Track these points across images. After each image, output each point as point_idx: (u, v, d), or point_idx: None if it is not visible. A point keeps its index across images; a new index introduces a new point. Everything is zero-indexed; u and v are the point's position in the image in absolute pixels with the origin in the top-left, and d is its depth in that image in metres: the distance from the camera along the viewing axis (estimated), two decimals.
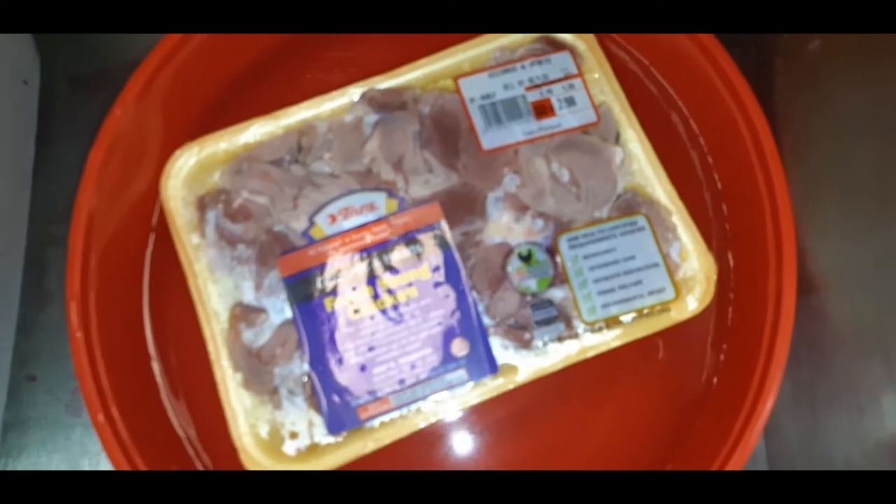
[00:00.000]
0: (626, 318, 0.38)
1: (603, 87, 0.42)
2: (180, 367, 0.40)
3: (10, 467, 0.43)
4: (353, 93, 0.42)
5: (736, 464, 0.33)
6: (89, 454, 0.43)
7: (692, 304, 0.38)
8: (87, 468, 0.43)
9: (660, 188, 0.40)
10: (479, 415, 0.39)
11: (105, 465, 0.43)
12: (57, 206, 0.45)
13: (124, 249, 0.40)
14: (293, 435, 0.36)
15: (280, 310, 0.38)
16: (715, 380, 0.39)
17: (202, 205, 0.40)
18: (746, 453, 0.34)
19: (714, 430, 0.37)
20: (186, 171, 0.41)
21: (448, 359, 0.37)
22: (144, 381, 0.39)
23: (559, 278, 0.38)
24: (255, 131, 0.41)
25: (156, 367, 0.40)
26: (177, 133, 0.43)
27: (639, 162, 0.41)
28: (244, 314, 0.38)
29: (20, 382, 0.44)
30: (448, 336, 0.37)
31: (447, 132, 0.41)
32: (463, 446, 0.39)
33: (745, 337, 0.37)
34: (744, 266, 0.39)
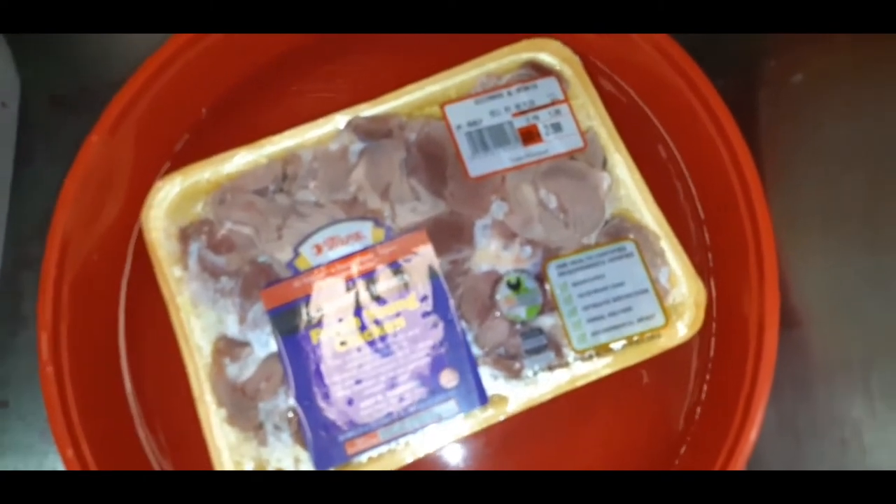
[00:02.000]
0: (616, 346, 0.37)
1: (589, 112, 0.42)
2: (158, 401, 0.39)
3: None
4: (339, 120, 0.41)
5: None
6: None
7: (682, 330, 0.38)
8: None
9: (647, 213, 0.40)
10: (467, 444, 0.38)
11: None
12: (34, 225, 0.44)
13: (99, 278, 0.39)
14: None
15: (265, 343, 0.38)
16: (698, 410, 0.39)
17: (185, 236, 0.39)
18: None
19: (697, 463, 0.36)
20: (169, 201, 0.40)
21: (437, 390, 0.36)
22: (118, 416, 0.38)
23: (548, 306, 0.38)
24: (239, 160, 0.41)
25: (131, 400, 0.39)
26: (156, 160, 0.42)
27: (626, 187, 0.40)
28: (228, 348, 0.37)
29: None
30: (437, 367, 0.37)
31: (434, 159, 0.40)
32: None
33: (728, 368, 0.37)
34: (726, 296, 0.39)
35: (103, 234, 0.39)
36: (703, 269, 0.40)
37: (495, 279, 0.38)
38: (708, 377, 0.39)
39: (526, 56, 0.43)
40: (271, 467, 0.36)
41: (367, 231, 0.39)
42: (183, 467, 0.38)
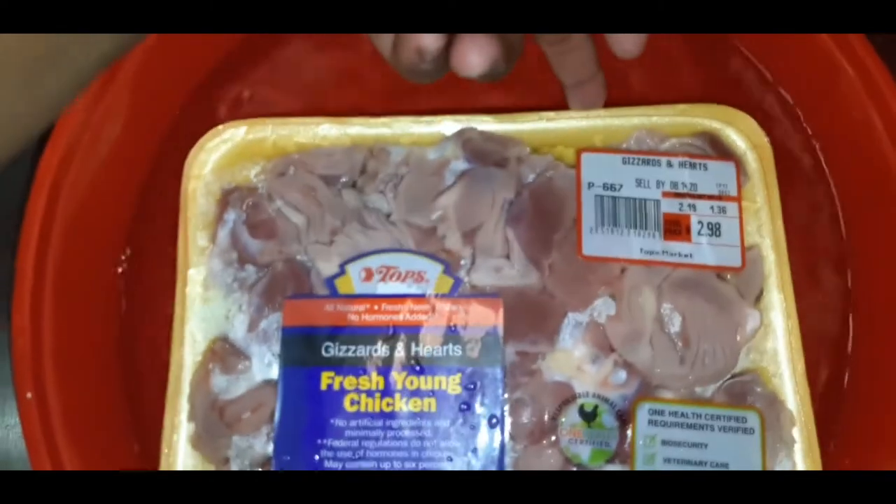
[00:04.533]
0: None
1: (762, 224, 0.32)
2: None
3: None
4: (448, 126, 0.33)
5: None
6: None
7: None
8: None
9: (791, 383, 0.30)
10: None
11: None
12: (15, 201, 0.32)
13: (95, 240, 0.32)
14: None
15: (268, 364, 0.30)
16: None
17: (225, 200, 0.32)
18: None
19: None
20: (224, 152, 0.33)
21: None
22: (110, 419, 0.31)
23: (621, 457, 0.29)
24: (319, 132, 0.33)
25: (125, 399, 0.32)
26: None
27: (775, 340, 0.30)
28: (224, 354, 0.30)
29: None
30: None
31: (546, 216, 0.31)
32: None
33: None
34: None
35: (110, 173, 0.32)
36: None
37: (567, 397, 0.29)
38: None
39: (706, 124, 0.33)
40: None
41: (434, 275, 0.31)
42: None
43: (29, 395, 0.27)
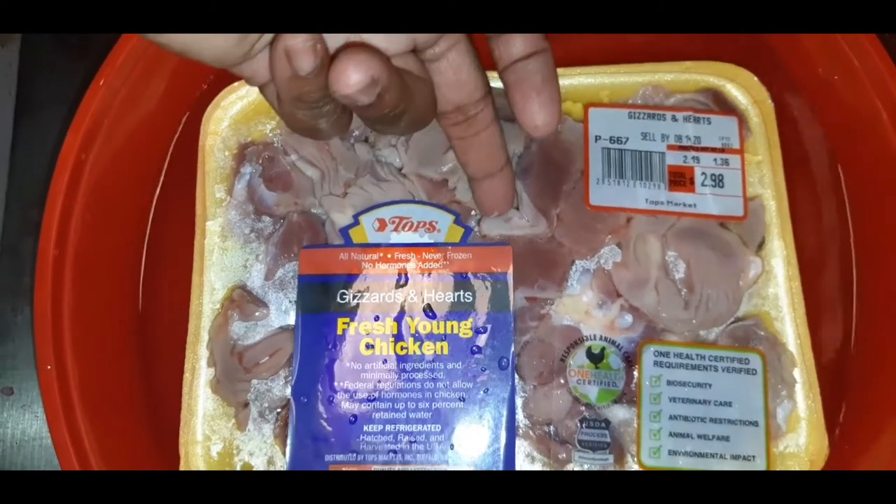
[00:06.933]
0: None
1: (764, 176, 0.33)
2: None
3: None
4: None
5: None
6: None
7: None
8: None
9: (792, 327, 0.31)
10: None
11: None
12: (38, 186, 0.36)
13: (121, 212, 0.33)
14: (246, 468, 0.30)
15: (284, 311, 0.31)
16: None
17: (242, 155, 0.33)
18: None
19: None
20: (240, 108, 0.34)
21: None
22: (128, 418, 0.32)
23: (628, 397, 0.30)
24: None
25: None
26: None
27: (777, 285, 0.31)
28: (242, 301, 0.31)
29: None
30: (467, 419, 0.29)
31: (554, 167, 0.32)
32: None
33: None
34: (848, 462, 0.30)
35: (134, 143, 0.33)
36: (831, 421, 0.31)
37: (575, 339, 0.30)
38: None
39: (710, 80, 0.34)
40: (239, 459, 0.30)
41: (445, 225, 0.31)
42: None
43: (49, 366, 0.28)
